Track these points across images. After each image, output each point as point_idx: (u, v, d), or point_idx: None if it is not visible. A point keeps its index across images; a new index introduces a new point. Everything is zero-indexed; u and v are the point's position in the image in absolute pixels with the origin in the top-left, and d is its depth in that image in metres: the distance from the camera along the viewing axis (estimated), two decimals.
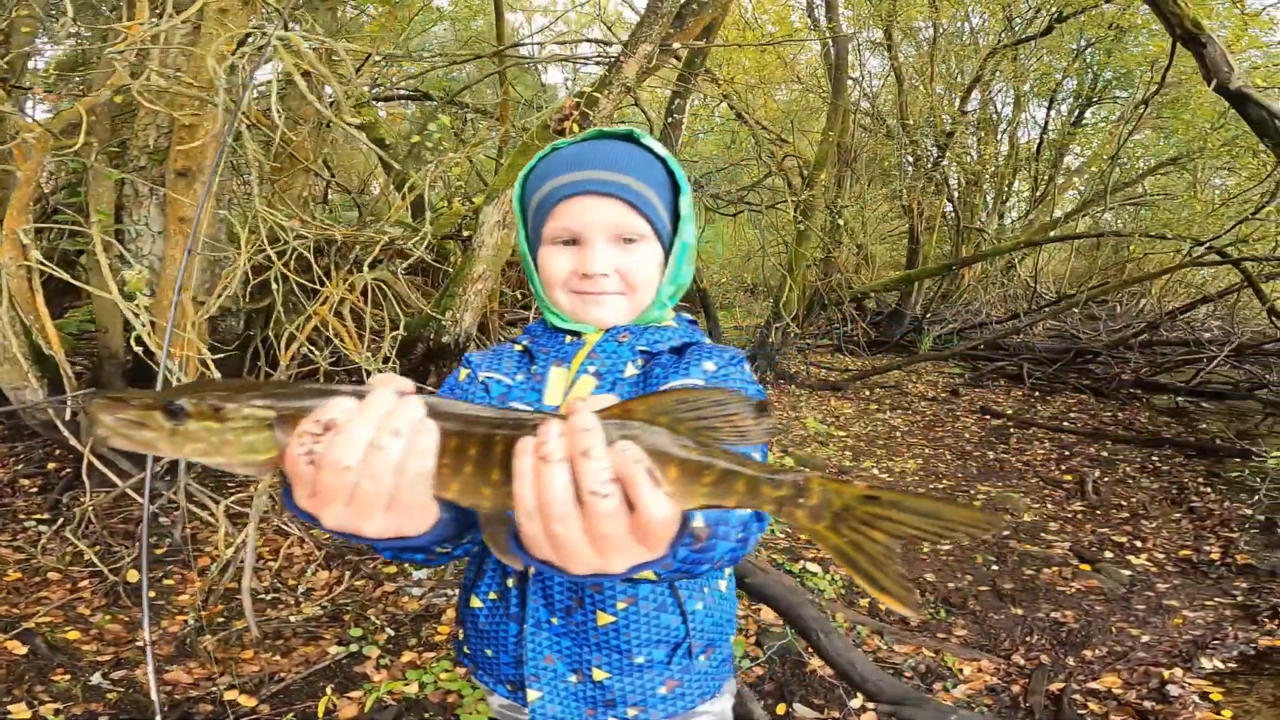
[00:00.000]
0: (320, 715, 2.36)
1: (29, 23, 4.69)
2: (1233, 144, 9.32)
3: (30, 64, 5.47)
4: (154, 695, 1.57)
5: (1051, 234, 10.40)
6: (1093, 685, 2.75)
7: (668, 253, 1.12)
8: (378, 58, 5.16)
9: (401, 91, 8.63)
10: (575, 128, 4.83)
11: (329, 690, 2.46)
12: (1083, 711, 2.58)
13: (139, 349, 3.20)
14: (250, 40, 3.05)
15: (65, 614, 2.92)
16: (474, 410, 0.63)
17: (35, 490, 4.28)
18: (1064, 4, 10.53)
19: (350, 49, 3.35)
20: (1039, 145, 14.29)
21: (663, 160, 1.12)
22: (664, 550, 0.59)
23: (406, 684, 2.54)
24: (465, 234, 5.32)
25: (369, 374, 3.96)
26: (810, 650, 2.82)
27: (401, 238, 4.63)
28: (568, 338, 1.12)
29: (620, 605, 1.07)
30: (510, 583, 1.11)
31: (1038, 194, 14.22)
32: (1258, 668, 2.95)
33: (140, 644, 2.74)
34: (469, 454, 0.61)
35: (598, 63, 6.43)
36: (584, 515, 0.56)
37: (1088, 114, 14.88)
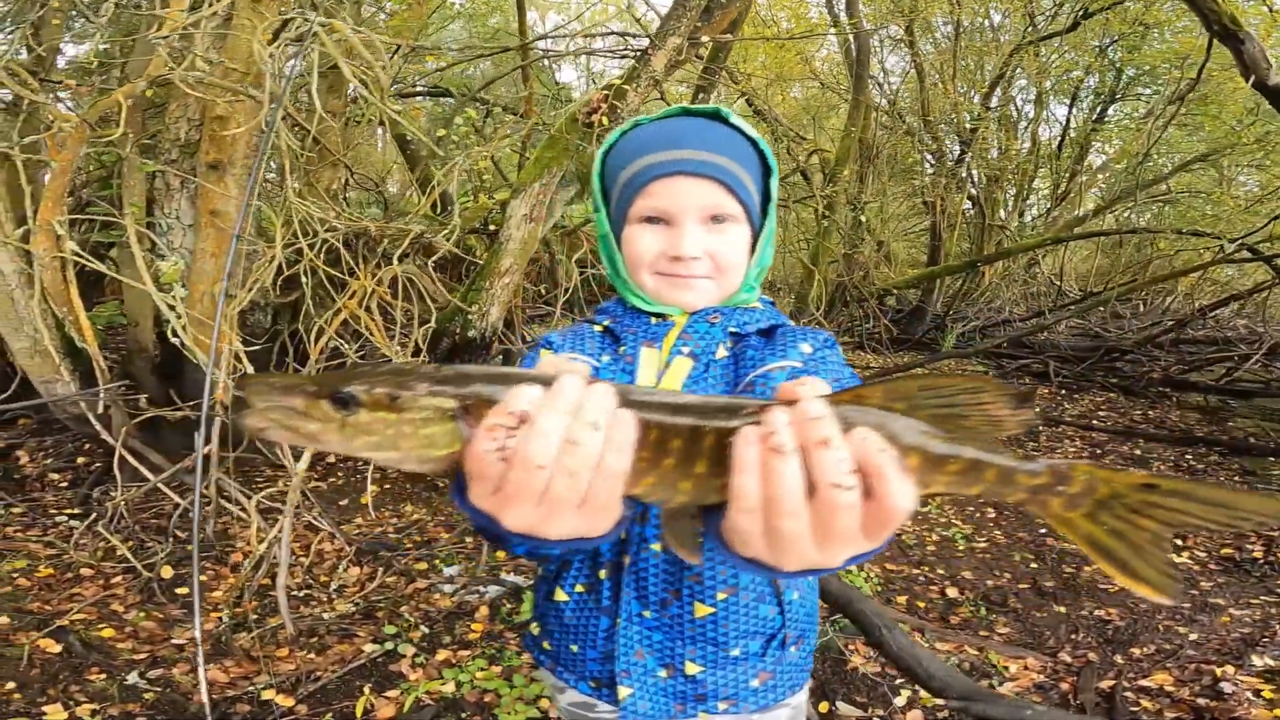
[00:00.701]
0: (359, 716, 2.33)
1: (58, 16, 4.71)
2: (1265, 139, 9.16)
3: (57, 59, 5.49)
4: (204, 698, 1.54)
5: (1076, 231, 10.26)
6: (1143, 683, 2.69)
7: (755, 235, 1.08)
8: (407, 49, 5.13)
9: (419, 88, 8.62)
10: (604, 120, 4.79)
11: (366, 690, 2.43)
12: (1135, 709, 2.52)
13: (175, 340, 3.19)
14: (289, 28, 3.02)
15: (99, 611, 2.90)
16: (669, 398, 0.58)
17: (65, 484, 4.28)
18: (1090, 0, 10.40)
19: (384, 40, 3.31)
20: (1060, 142, 14.16)
21: (752, 141, 1.07)
22: (882, 544, 0.55)
23: (443, 683, 2.51)
24: (491, 228, 5.29)
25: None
26: (851, 649, 2.77)
27: (430, 231, 4.60)
28: (653, 318, 1.08)
29: (721, 596, 1.03)
30: (602, 574, 1.06)
31: (1060, 191, 14.09)
32: None
33: (176, 642, 2.72)
34: (671, 446, 0.56)
35: (624, 56, 6.39)
36: (814, 509, 0.52)
37: (1110, 111, 14.73)
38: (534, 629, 1.21)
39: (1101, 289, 11.47)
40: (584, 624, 1.09)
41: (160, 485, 3.77)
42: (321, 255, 4.12)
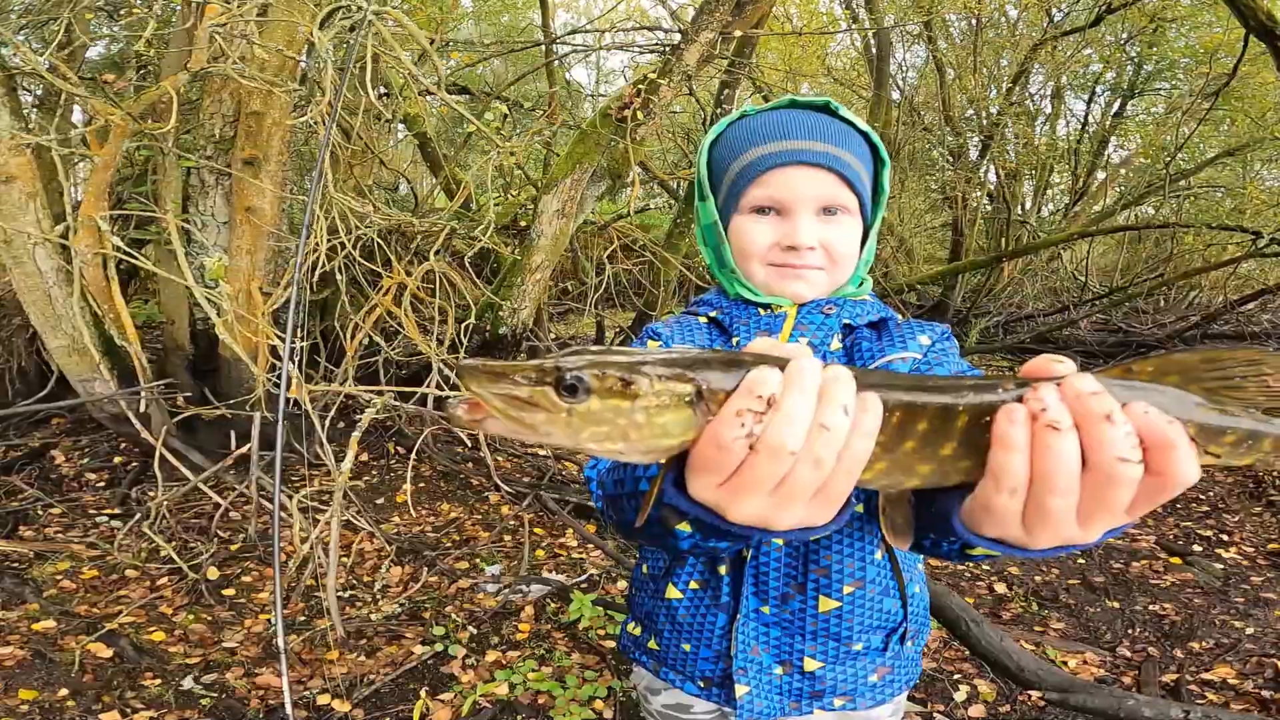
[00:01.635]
0: (416, 718, 2.31)
1: (91, 10, 4.71)
2: None
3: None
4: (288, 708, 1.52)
5: (1102, 225, 10.17)
6: (1206, 676, 2.65)
7: (866, 227, 1.05)
8: (440, 43, 5.13)
9: (430, 90, 8.61)
10: (638, 115, 4.76)
11: (422, 694, 2.42)
12: (1201, 702, 2.48)
13: (223, 337, 3.18)
14: (335, 17, 2.99)
15: (147, 613, 2.89)
16: (909, 379, 0.56)
17: (102, 484, 4.29)
18: None
19: (425, 34, 3.29)
20: (1080, 138, 14.03)
21: (864, 134, 1.05)
22: (1133, 519, 0.54)
23: (496, 685, 2.49)
24: (521, 224, 5.26)
25: (444, 365, 3.93)
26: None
27: (464, 227, 4.59)
28: (762, 310, 1.05)
29: (848, 590, 1.00)
30: (721, 569, 1.03)
31: (1079, 186, 13.96)
32: None
33: (228, 645, 2.71)
34: (916, 429, 0.54)
35: (655, 51, 6.36)
36: (1087, 485, 0.51)
37: (1129, 107, 14.59)
38: (634, 629, 1.18)
39: (1127, 283, 11.36)
40: (698, 621, 1.07)
41: (200, 485, 3.76)
42: (357, 251, 4.11)
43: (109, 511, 3.84)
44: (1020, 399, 0.52)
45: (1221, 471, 5.37)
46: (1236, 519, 4.36)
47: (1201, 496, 4.73)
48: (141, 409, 3.71)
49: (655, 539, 0.80)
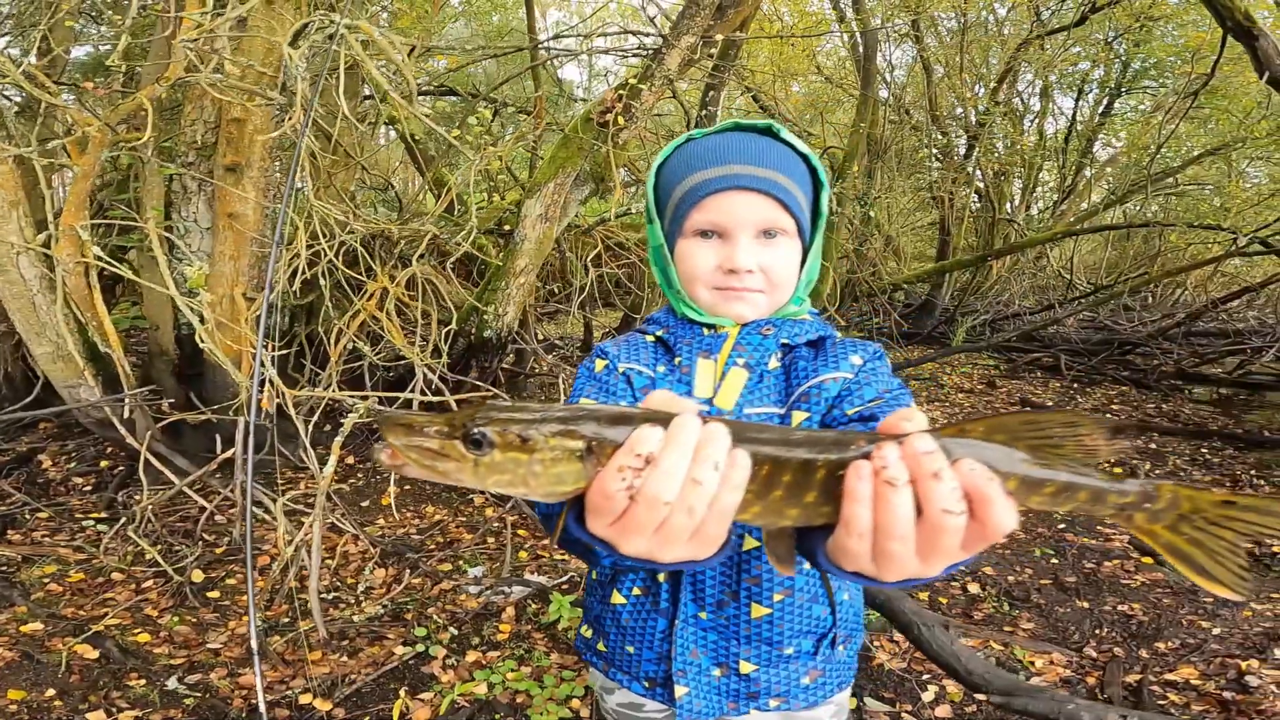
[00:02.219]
0: (395, 718, 2.36)
1: (70, 17, 4.72)
2: (1276, 133, 9.12)
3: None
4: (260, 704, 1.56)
5: (1087, 224, 10.26)
6: (1169, 677, 2.70)
7: (806, 249, 1.10)
8: (421, 50, 5.15)
9: (426, 88, 8.62)
10: (619, 120, 4.80)
11: (402, 693, 2.46)
12: (1162, 702, 2.54)
13: (203, 345, 3.22)
14: (310, 30, 3.03)
15: (133, 616, 2.93)
16: (778, 434, 0.62)
17: (89, 489, 4.31)
18: None
19: (402, 41, 3.32)
20: (1068, 136, 14.10)
21: (804, 156, 1.09)
22: (971, 556, 0.60)
23: (475, 684, 2.53)
24: (505, 228, 5.30)
25: (427, 369, 3.97)
26: (877, 645, 2.79)
27: (447, 232, 4.63)
28: (706, 330, 1.10)
29: (777, 598, 1.06)
30: (661, 578, 1.09)
31: (1067, 185, 14.05)
32: None
33: (212, 646, 2.75)
34: (782, 480, 0.61)
35: (637, 55, 6.39)
36: (921, 531, 0.57)
37: (1116, 105, 14.68)
38: (586, 631, 1.23)
39: (1111, 282, 11.45)
40: (641, 625, 1.12)
41: (185, 490, 3.79)
42: (340, 257, 4.15)
43: (95, 515, 3.87)
44: (867, 455, 0.59)
45: (1199, 470, 5.45)
46: None
47: None
48: (126, 414, 3.73)
49: (582, 556, 0.86)
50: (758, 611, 1.06)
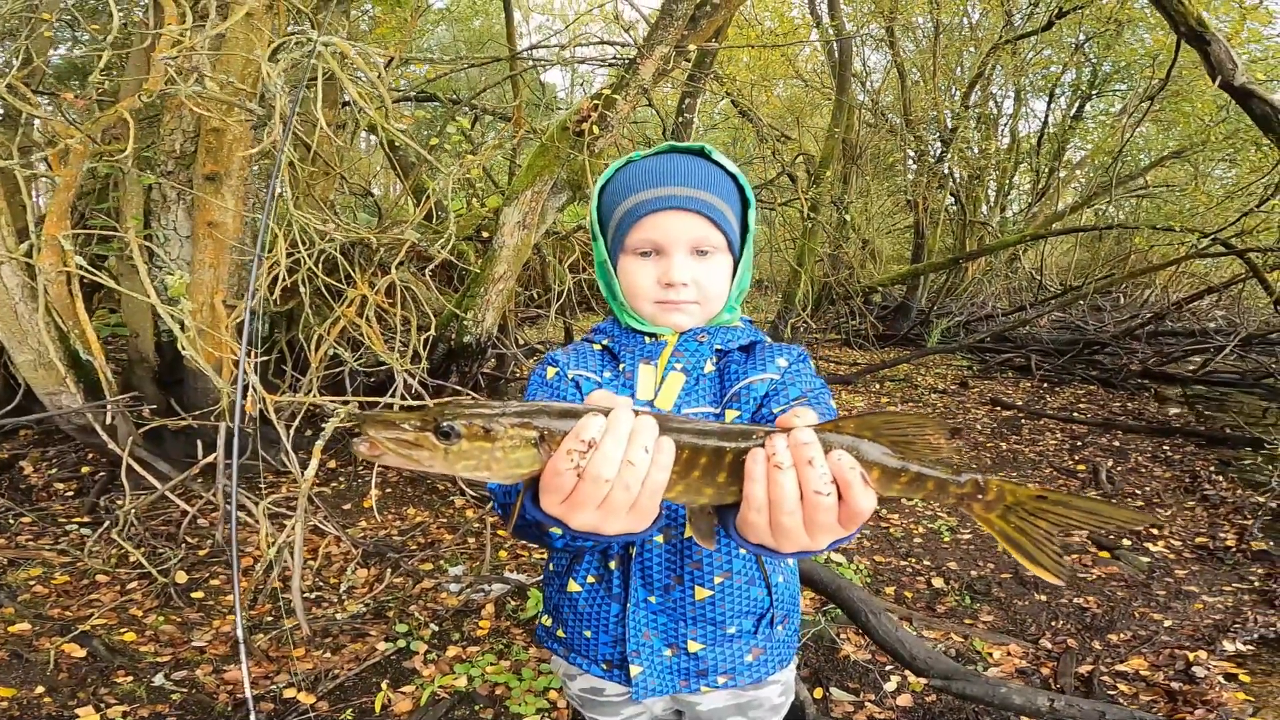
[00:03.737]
0: (377, 710, 2.44)
1: (49, 27, 4.75)
2: (1234, 137, 9.37)
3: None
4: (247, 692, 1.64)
5: (1055, 227, 10.47)
6: (1120, 667, 2.83)
7: (736, 262, 1.20)
8: (399, 62, 5.22)
9: (407, 94, 8.67)
10: (595, 129, 4.90)
11: (384, 686, 2.54)
12: (1112, 692, 2.66)
13: (185, 353, 3.28)
14: (287, 46, 3.10)
15: (119, 616, 2.99)
16: (695, 425, 0.74)
17: (70, 494, 4.35)
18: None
19: (379, 53, 3.40)
20: (1039, 139, 14.35)
21: (732, 176, 1.19)
22: (854, 531, 0.72)
23: (456, 677, 2.62)
24: (484, 235, 5.38)
25: (407, 375, 4.04)
26: (842, 637, 2.91)
27: (425, 240, 4.70)
28: (647, 338, 1.20)
29: (718, 580, 1.16)
30: (612, 565, 1.19)
31: (1040, 187, 14.29)
32: (1278, 650, 3.03)
33: (197, 644, 2.81)
34: (699, 463, 0.73)
35: (613, 64, 6.49)
36: (804, 508, 0.70)
37: (1088, 107, 14.96)
38: (546, 621, 1.32)
39: (1081, 282, 11.68)
40: (596, 611, 1.21)
41: (167, 494, 3.85)
42: (320, 264, 4.21)
43: (78, 520, 3.91)
44: (763, 444, 0.72)
45: (1160, 466, 5.62)
46: (1169, 513, 4.59)
47: (1137, 492, 4.96)
48: (108, 421, 3.78)
49: (536, 539, 0.98)
50: (701, 594, 1.16)
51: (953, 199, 12.89)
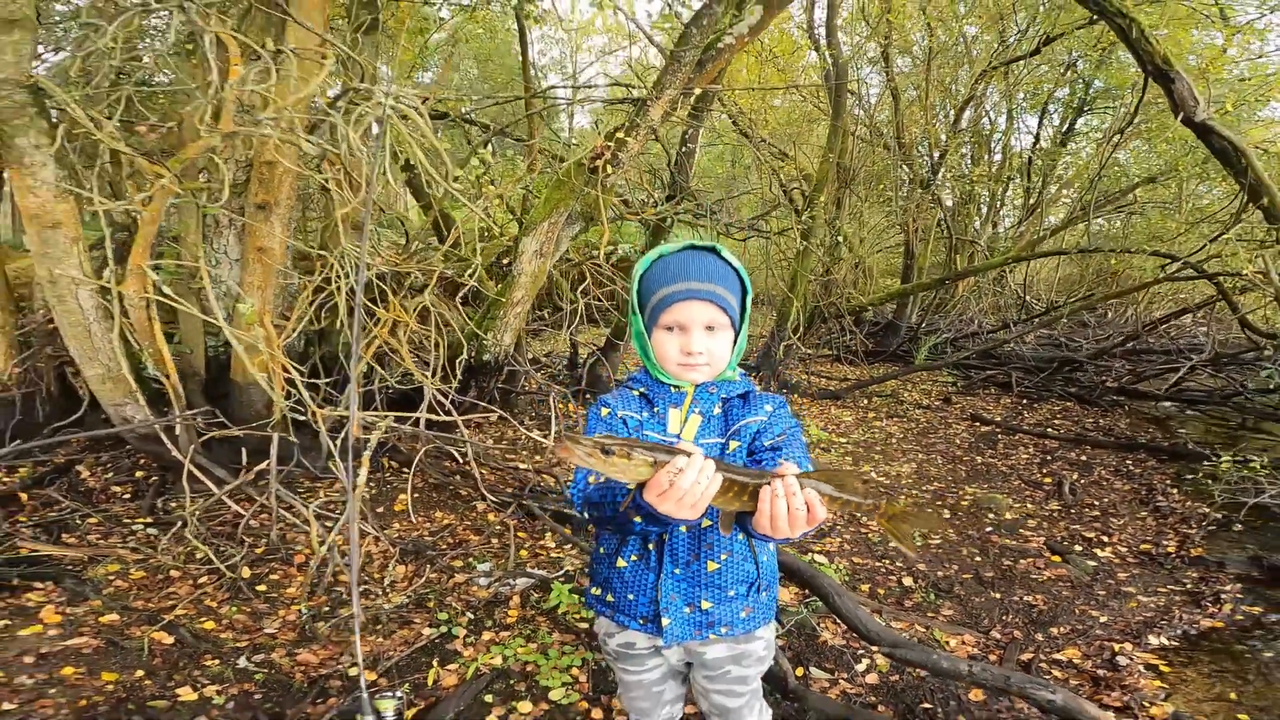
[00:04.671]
0: (429, 684, 2.91)
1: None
2: (1205, 165, 9.87)
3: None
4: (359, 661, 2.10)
5: (1037, 250, 10.98)
6: (1057, 656, 3.31)
7: (737, 333, 1.69)
8: (434, 101, 5.69)
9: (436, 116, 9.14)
10: (608, 168, 5.38)
11: (434, 664, 3.01)
12: (1047, 677, 3.14)
13: (254, 372, 3.73)
14: (348, 96, 3.56)
15: (196, 607, 3.43)
16: (734, 468, 1.32)
17: (128, 496, 4.78)
18: (1051, 26, 11.10)
19: (417, 93, 3.86)
20: (1030, 158, 14.83)
21: (736, 270, 1.68)
22: (812, 529, 1.28)
23: (492, 657, 3.09)
24: (505, 261, 5.86)
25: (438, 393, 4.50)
26: (821, 626, 3.38)
27: (455, 267, 5.18)
28: (673, 388, 1.70)
29: (723, 557, 1.67)
30: (650, 547, 1.68)
31: (1031, 203, 14.76)
32: (1198, 645, 3.51)
33: (269, 631, 3.27)
34: (734, 489, 1.30)
35: (624, 102, 6.96)
36: (790, 517, 1.27)
37: (1080, 123, 15.45)
38: (595, 591, 1.81)
39: (1061, 302, 12.17)
40: (638, 580, 1.70)
41: (224, 498, 4.30)
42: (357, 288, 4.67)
43: (142, 520, 4.35)
44: (769, 483, 1.28)
45: (1121, 480, 6.11)
46: (1122, 522, 5.08)
47: (1096, 503, 5.45)
48: (178, 431, 4.24)
49: (620, 526, 1.49)
50: (711, 566, 1.66)
51: (943, 218, 13.39)
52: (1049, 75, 13.75)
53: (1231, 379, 9.38)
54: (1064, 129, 15.10)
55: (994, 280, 13.19)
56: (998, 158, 15.26)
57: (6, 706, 2.64)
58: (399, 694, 2.25)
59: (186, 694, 2.81)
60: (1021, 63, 12.66)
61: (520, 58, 7.80)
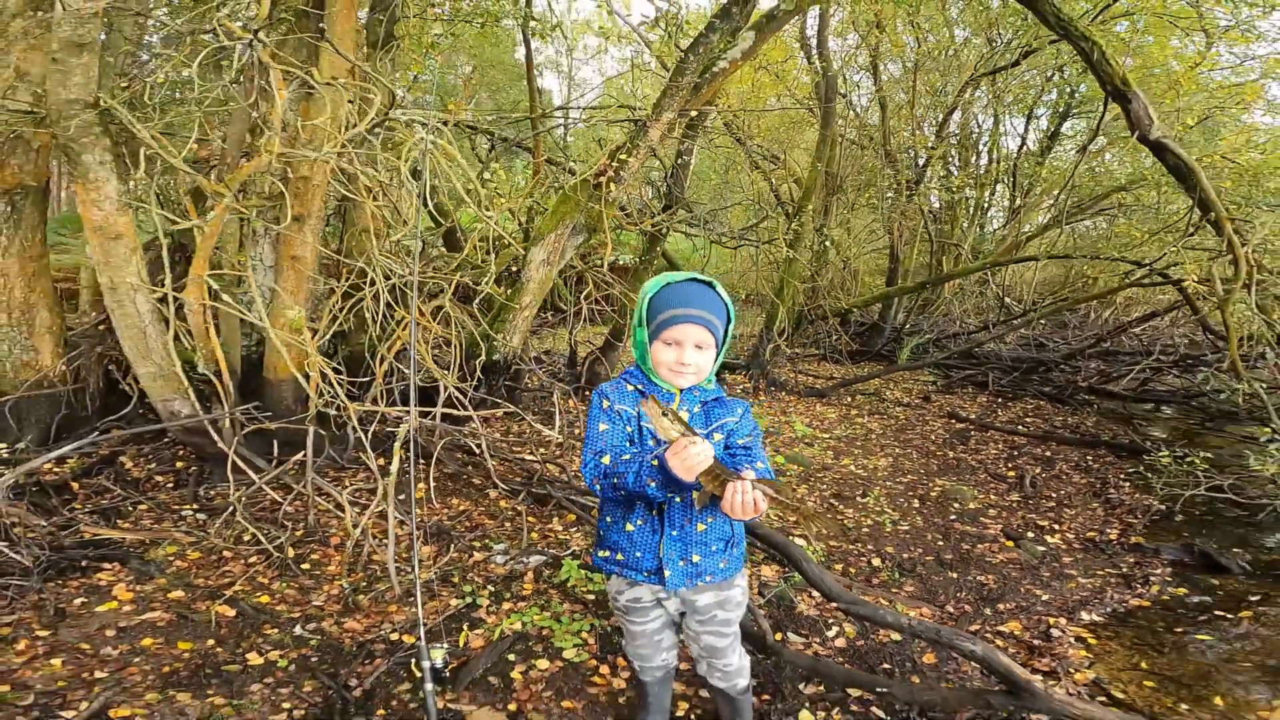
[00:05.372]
0: (461, 644, 3.40)
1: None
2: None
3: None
4: (421, 630, 2.59)
5: (1014, 255, 11.49)
6: (1000, 628, 3.82)
7: (719, 351, 2.18)
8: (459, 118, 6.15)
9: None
10: (611, 185, 5.86)
11: (464, 628, 3.50)
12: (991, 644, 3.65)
13: (294, 371, 4.19)
14: (385, 124, 4.01)
15: (250, 583, 3.86)
16: (720, 463, 1.84)
17: (171, 485, 5.23)
18: (1029, 41, 11.56)
19: (439, 117, 4.30)
20: (1016, 159, 15.26)
21: (724, 302, 2.17)
22: (759, 515, 1.78)
23: (512, 622, 3.58)
24: (514, 269, 6.34)
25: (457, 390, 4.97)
26: (799, 598, 3.89)
27: (470, 275, 5.65)
28: (664, 389, 2.19)
29: (709, 520, 2.19)
30: (654, 513, 2.18)
31: (1016, 206, 15.22)
32: (1125, 621, 4.00)
33: (317, 603, 3.75)
34: (715, 475, 1.82)
35: (627, 120, 7.43)
36: (743, 505, 1.78)
37: (1065, 127, 15.92)
38: (604, 554, 2.30)
39: (1036, 305, 12.68)
40: (645, 540, 2.20)
41: (264, 485, 4.77)
42: (384, 294, 5.15)
43: (190, 507, 4.80)
44: (739, 478, 1.79)
45: (1080, 474, 6.63)
46: (1074, 512, 5.60)
47: (1053, 495, 5.97)
48: (227, 425, 4.70)
49: (637, 493, 1.97)
50: (700, 528, 2.18)
51: (933, 218, 13.87)
52: (1035, 80, 14.18)
53: (1194, 380, 9.89)
54: (1050, 133, 15.53)
55: (977, 282, 13.70)
56: (984, 161, 15.77)
57: (99, 674, 3.03)
58: (444, 646, 2.73)
59: (254, 659, 3.23)
60: (1006, 71, 13.11)
61: (525, 64, 8.25)
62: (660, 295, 2.15)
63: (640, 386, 2.20)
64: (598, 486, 2.08)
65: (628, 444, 2.14)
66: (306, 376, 4.67)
